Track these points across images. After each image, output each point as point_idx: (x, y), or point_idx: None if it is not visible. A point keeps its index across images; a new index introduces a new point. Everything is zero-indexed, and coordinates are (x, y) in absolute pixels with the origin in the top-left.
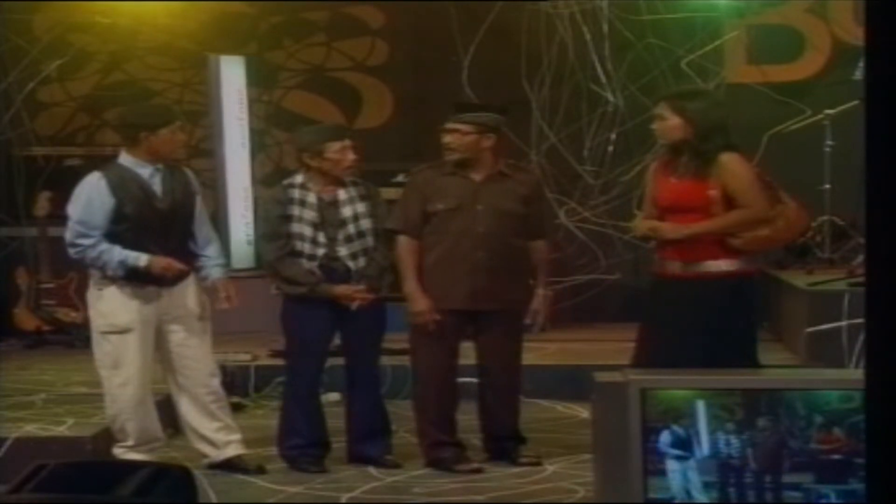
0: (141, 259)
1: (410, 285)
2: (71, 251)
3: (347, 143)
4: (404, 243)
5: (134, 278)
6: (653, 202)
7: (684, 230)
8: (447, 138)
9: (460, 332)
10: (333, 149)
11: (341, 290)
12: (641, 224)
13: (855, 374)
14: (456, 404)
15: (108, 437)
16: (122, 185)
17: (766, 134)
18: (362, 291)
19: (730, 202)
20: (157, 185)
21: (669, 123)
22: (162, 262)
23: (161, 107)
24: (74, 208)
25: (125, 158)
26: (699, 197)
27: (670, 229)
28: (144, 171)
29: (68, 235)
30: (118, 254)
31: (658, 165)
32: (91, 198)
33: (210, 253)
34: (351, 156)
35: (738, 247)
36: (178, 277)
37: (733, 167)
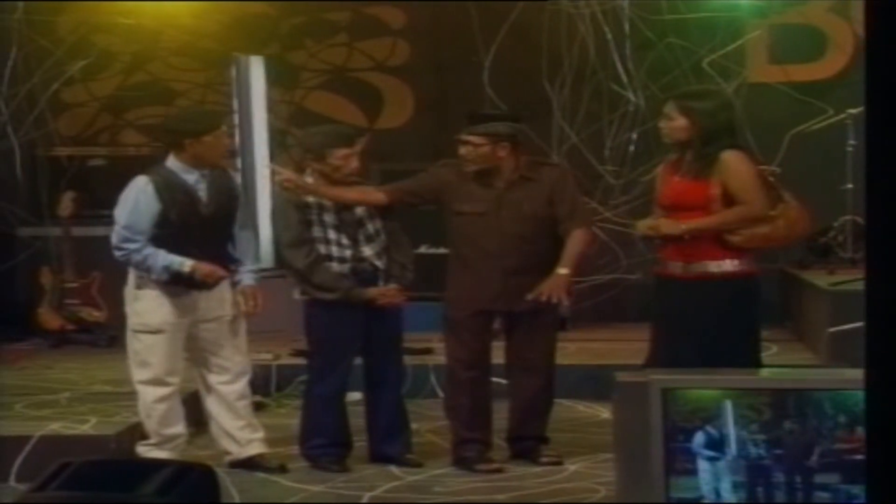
0: (185, 265)
1: (324, 189)
2: (116, 254)
3: (356, 148)
4: (371, 187)
5: (176, 283)
6: (657, 202)
7: (682, 226)
8: (462, 150)
9: (492, 331)
10: (337, 155)
11: (375, 292)
12: (641, 223)
13: None
14: (488, 402)
15: (131, 435)
16: (169, 190)
17: (789, 133)
18: (395, 292)
19: (730, 200)
20: (202, 191)
21: (675, 124)
22: (205, 269)
23: (205, 113)
24: (121, 212)
25: (172, 163)
26: (700, 195)
27: (668, 225)
28: (190, 176)
29: (114, 239)
30: (163, 259)
31: (665, 165)
32: (138, 202)
33: (246, 259)
34: (354, 164)
35: (737, 244)
36: (217, 282)
37: (734, 165)
